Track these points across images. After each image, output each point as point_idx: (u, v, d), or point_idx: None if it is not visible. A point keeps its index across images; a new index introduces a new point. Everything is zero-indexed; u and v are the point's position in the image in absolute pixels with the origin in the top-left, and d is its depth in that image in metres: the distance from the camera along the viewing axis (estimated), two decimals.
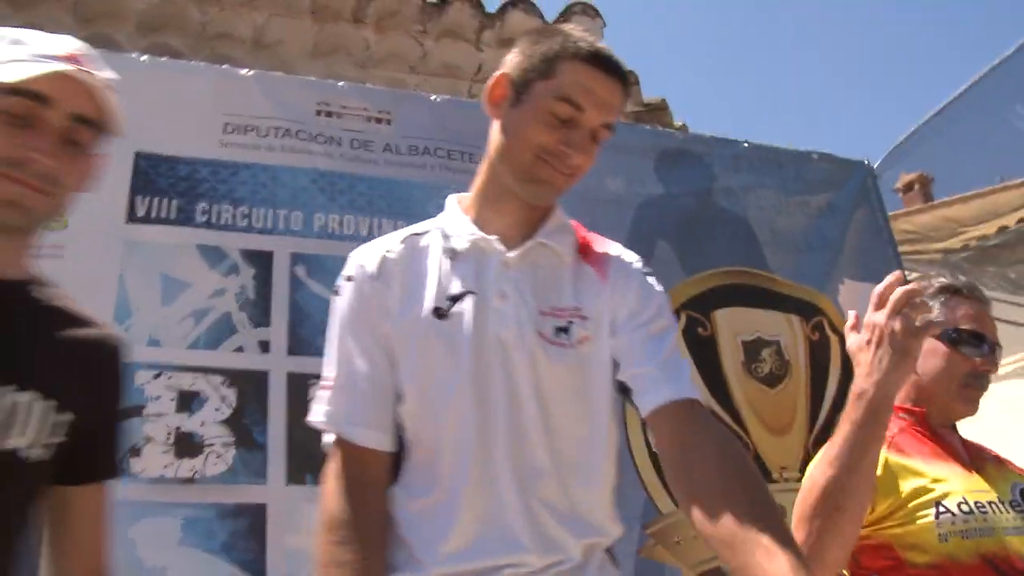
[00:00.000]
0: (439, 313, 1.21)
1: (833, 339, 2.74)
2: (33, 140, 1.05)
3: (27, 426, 1.05)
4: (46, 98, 1.06)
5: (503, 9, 3.60)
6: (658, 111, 3.61)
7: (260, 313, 2.24)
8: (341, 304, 1.29)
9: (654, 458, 2.38)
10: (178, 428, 2.08)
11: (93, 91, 1.09)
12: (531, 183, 1.25)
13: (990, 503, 1.50)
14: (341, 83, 2.59)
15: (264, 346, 2.21)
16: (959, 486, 1.50)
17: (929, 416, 1.63)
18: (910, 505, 1.48)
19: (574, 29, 1.28)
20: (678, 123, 3.72)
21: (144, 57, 2.45)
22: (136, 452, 2.05)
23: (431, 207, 2.52)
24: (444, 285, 1.24)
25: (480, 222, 1.29)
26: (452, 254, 1.27)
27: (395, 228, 2.40)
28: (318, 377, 1.30)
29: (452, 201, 1.39)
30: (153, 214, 2.25)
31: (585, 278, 1.28)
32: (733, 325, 2.63)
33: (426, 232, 1.33)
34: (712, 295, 2.65)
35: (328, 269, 2.33)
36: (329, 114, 2.51)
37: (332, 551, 1.14)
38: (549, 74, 1.23)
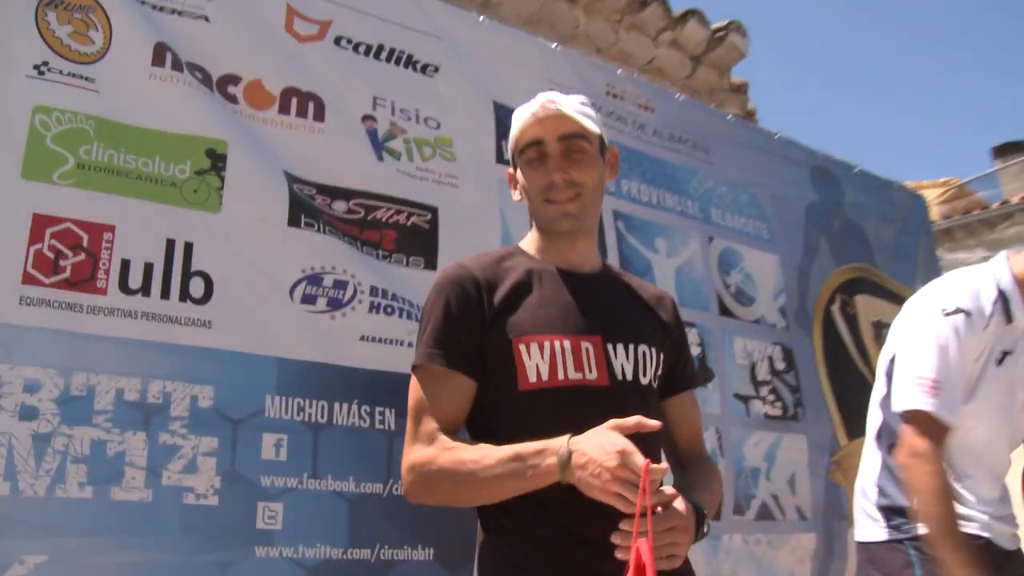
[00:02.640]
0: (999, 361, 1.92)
1: None
2: (548, 168, 1.57)
3: (647, 368, 1.57)
4: (540, 139, 1.57)
5: (683, 17, 4.12)
6: (738, 92, 4.31)
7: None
8: (954, 331, 1.86)
9: (838, 399, 3.10)
10: None
11: (565, 114, 1.57)
12: None
13: None
14: (619, 71, 3.01)
15: None
16: None
17: None
18: None
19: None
20: (750, 107, 4.45)
21: (481, 18, 2.73)
22: None
23: (688, 188, 3.06)
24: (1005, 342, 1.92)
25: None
26: (1008, 320, 1.92)
27: (674, 202, 2.91)
28: None
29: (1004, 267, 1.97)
30: None
31: None
32: (866, 308, 3.40)
33: (996, 303, 1.92)
34: (853, 283, 3.40)
35: (637, 227, 2.78)
36: (615, 96, 2.93)
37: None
38: None
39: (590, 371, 1.47)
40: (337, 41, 2.30)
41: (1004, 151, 11.22)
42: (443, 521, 2.10)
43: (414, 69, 2.47)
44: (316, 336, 1.99)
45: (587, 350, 1.48)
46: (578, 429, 1.39)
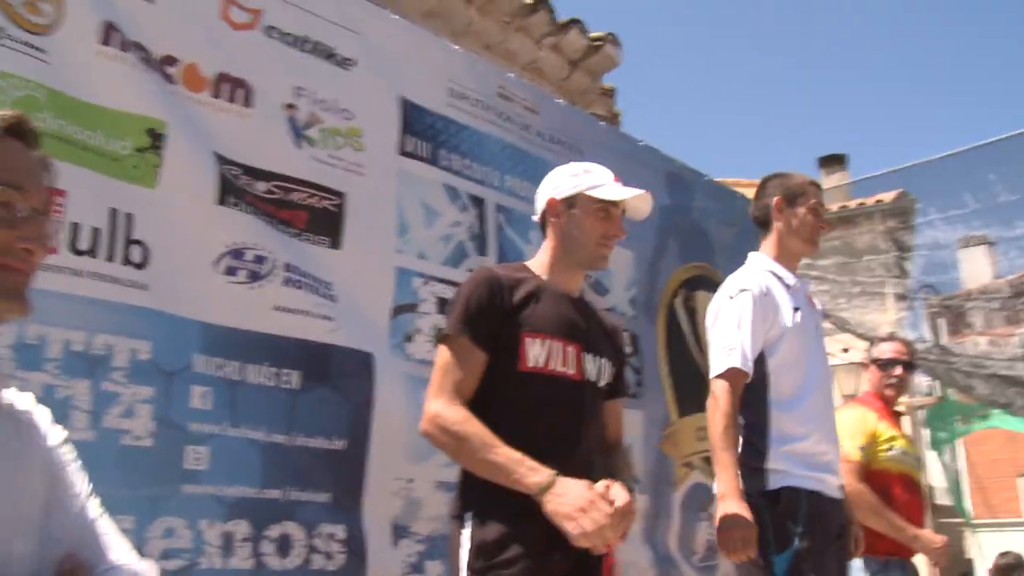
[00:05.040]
0: (793, 319, 2.52)
1: None
2: (611, 228, 2.10)
3: (604, 375, 2.10)
4: (621, 206, 2.12)
5: (566, 25, 4.45)
6: (607, 96, 4.75)
7: (480, 245, 2.98)
8: (745, 306, 2.49)
9: (674, 381, 3.60)
10: (437, 325, 2.77)
11: (649, 201, 2.18)
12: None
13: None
14: (510, 73, 3.34)
15: None
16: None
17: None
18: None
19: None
20: (616, 110, 4.91)
21: (394, 16, 2.98)
22: (409, 339, 2.72)
23: None
24: (790, 302, 2.55)
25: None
26: (787, 286, 2.61)
27: None
28: None
29: (763, 257, 2.71)
30: (416, 151, 2.87)
31: None
32: (704, 303, 3.91)
33: (768, 274, 2.59)
34: (694, 280, 3.92)
35: (515, 220, 3.14)
36: (505, 97, 3.26)
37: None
38: None
39: (570, 367, 2.00)
40: (267, 31, 2.51)
41: (828, 162, 12.43)
42: (336, 470, 2.42)
43: (333, 62, 2.71)
44: (236, 304, 2.24)
45: (570, 352, 2.01)
46: (555, 408, 1.96)
